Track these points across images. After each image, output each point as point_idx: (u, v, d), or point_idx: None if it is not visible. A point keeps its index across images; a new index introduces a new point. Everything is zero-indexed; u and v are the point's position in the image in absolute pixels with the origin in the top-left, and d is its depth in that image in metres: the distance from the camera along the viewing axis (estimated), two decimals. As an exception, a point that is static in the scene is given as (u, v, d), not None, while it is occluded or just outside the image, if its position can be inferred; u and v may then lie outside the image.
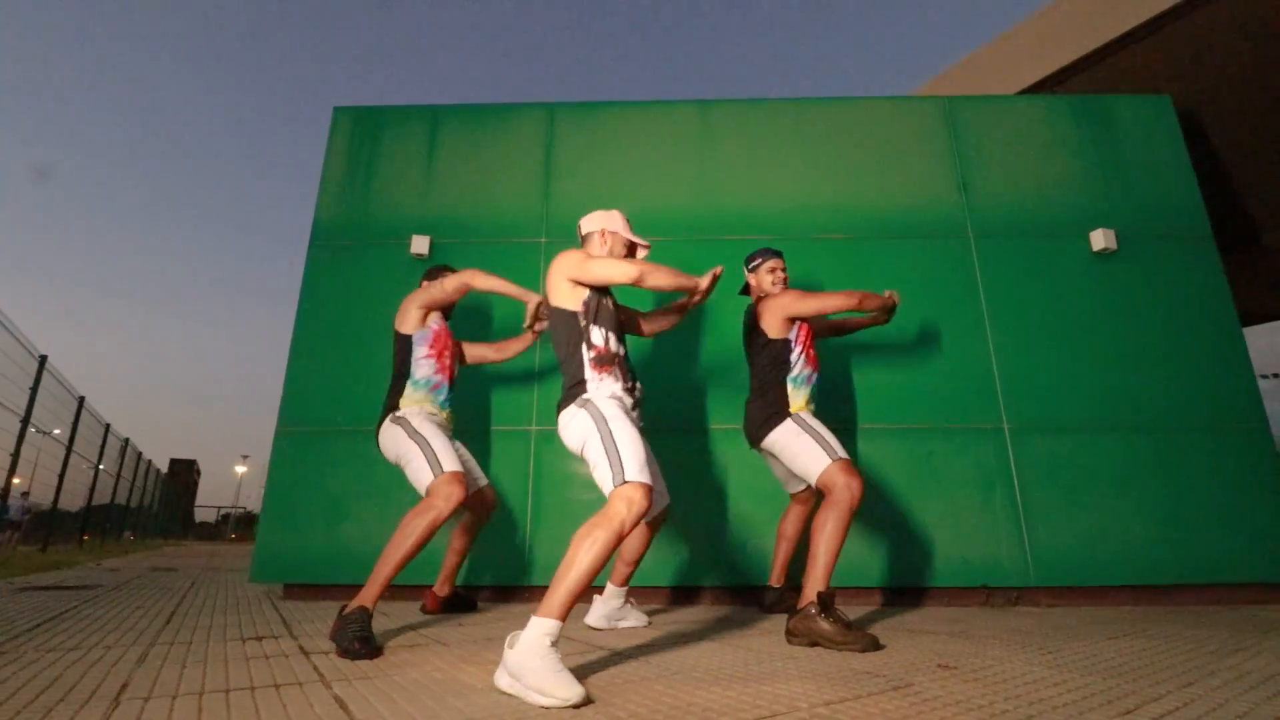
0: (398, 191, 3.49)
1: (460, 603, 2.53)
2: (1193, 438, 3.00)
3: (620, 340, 1.80)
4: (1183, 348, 3.14)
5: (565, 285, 1.75)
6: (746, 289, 2.49)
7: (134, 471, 14.88)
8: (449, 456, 1.96)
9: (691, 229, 3.37)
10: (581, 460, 1.64)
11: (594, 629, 2.05)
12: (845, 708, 1.12)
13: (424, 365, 2.20)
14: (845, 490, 1.91)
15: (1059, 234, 3.35)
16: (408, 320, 2.24)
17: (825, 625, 1.77)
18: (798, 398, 2.22)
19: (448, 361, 2.27)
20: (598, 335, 1.74)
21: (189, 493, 49.14)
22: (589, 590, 1.98)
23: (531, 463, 3.02)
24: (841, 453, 2.01)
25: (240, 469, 46.82)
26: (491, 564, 2.89)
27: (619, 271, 1.72)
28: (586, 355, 1.73)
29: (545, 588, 2.92)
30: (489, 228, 3.41)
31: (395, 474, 2.33)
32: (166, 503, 25.74)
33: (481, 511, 2.40)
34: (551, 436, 3.04)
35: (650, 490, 1.50)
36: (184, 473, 49.42)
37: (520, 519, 2.95)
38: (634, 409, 1.76)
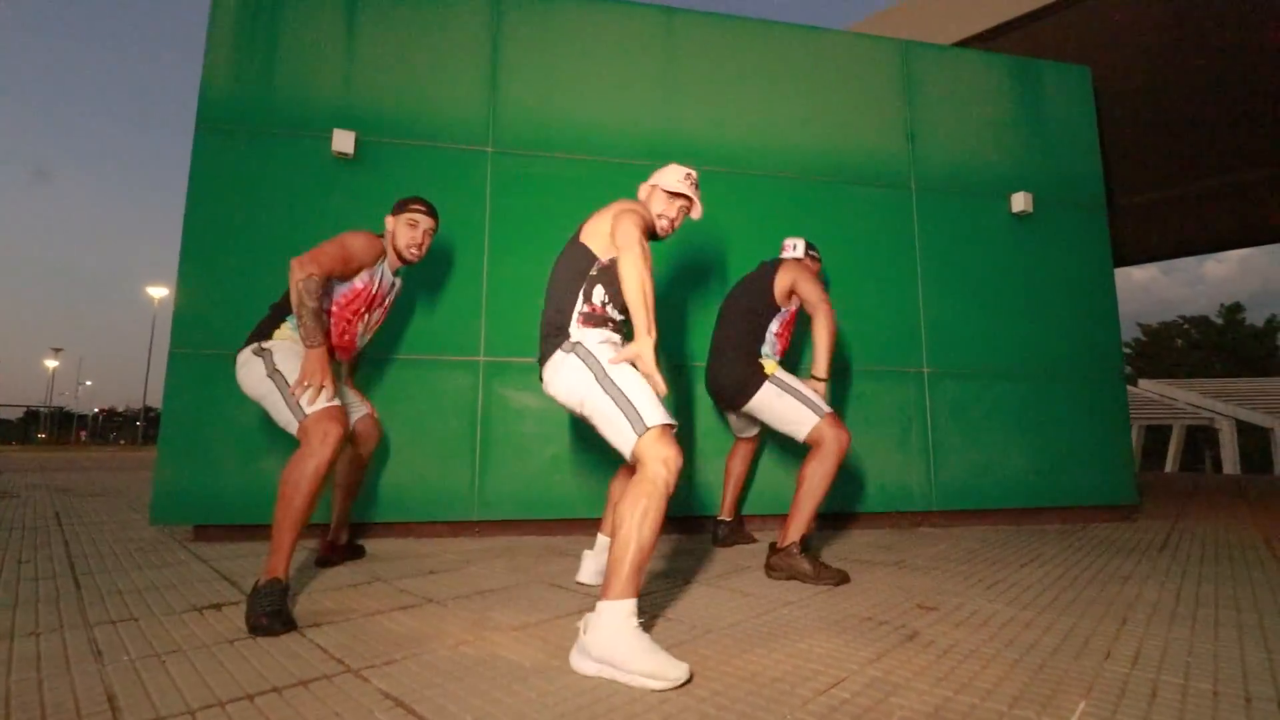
0: (311, 73, 2.91)
1: (353, 551, 2.32)
2: (1067, 384, 3.49)
3: (622, 311, 1.67)
4: (1070, 305, 3.58)
5: (605, 228, 1.62)
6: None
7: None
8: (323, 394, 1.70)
9: (652, 152, 3.17)
10: (542, 399, 1.51)
11: (587, 585, 1.95)
12: (887, 666, 1.23)
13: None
14: (835, 443, 2.03)
15: (986, 193, 3.58)
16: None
17: (805, 564, 1.97)
18: (769, 362, 2.31)
19: (341, 327, 1.98)
20: (598, 294, 1.63)
21: (-20, 389, 41.36)
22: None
23: (480, 395, 2.86)
24: (826, 408, 2.11)
25: (51, 363, 40.26)
26: (441, 500, 2.77)
27: (618, 242, 1.54)
28: (579, 307, 1.62)
29: (496, 522, 2.91)
30: (426, 128, 2.98)
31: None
32: (-46, 402, 21.69)
33: (367, 444, 2.22)
34: (503, 369, 2.88)
35: (674, 429, 1.41)
36: (-30, 365, 41.22)
37: (469, 454, 2.82)
38: None
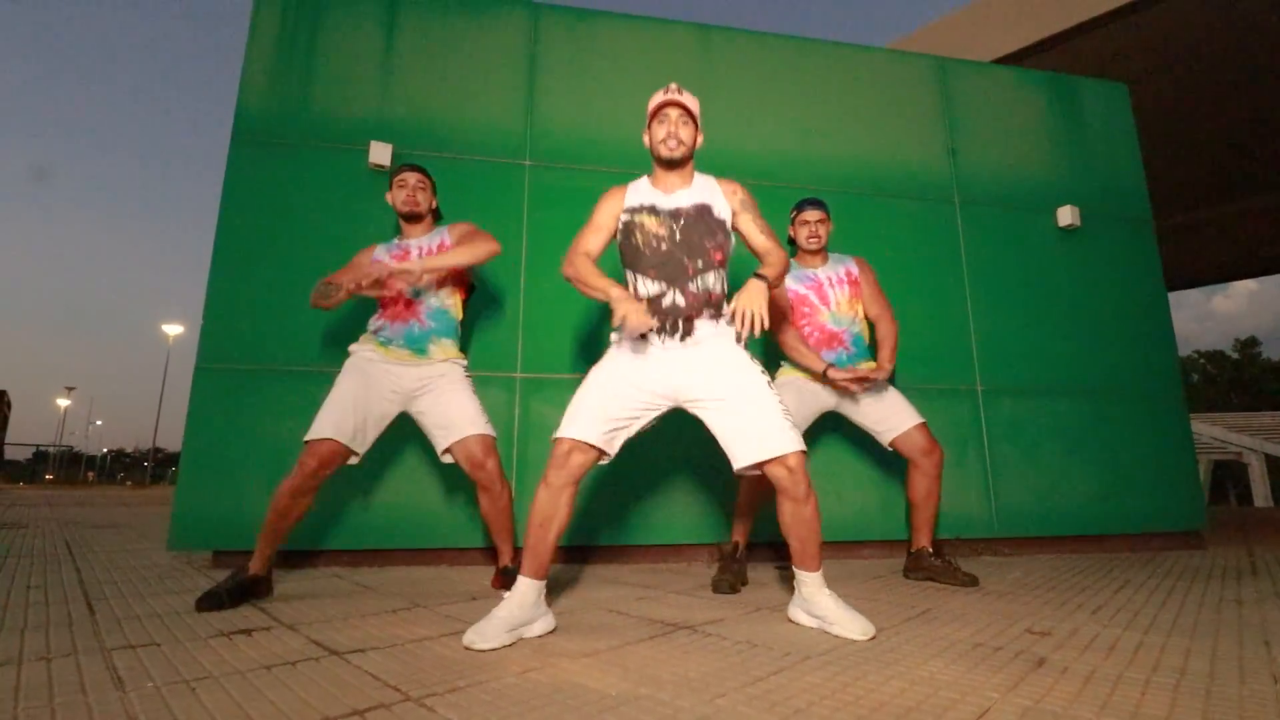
0: (348, 87, 2.88)
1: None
2: (1127, 403, 3.32)
3: (660, 279, 1.66)
4: (1123, 321, 3.43)
5: None
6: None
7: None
8: (324, 418, 1.86)
9: (689, 167, 3.10)
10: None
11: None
12: (1031, 694, 1.05)
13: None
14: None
15: (1031, 207, 3.48)
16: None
17: (939, 565, 2.22)
18: (788, 366, 2.35)
19: (389, 297, 2.05)
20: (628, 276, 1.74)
21: (-7, 428, 41.46)
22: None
23: (517, 412, 2.72)
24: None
25: (63, 402, 40.43)
26: (476, 524, 2.60)
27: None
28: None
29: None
30: (463, 142, 2.93)
31: None
32: (-35, 441, 21.70)
33: (476, 471, 2.05)
34: (540, 385, 2.75)
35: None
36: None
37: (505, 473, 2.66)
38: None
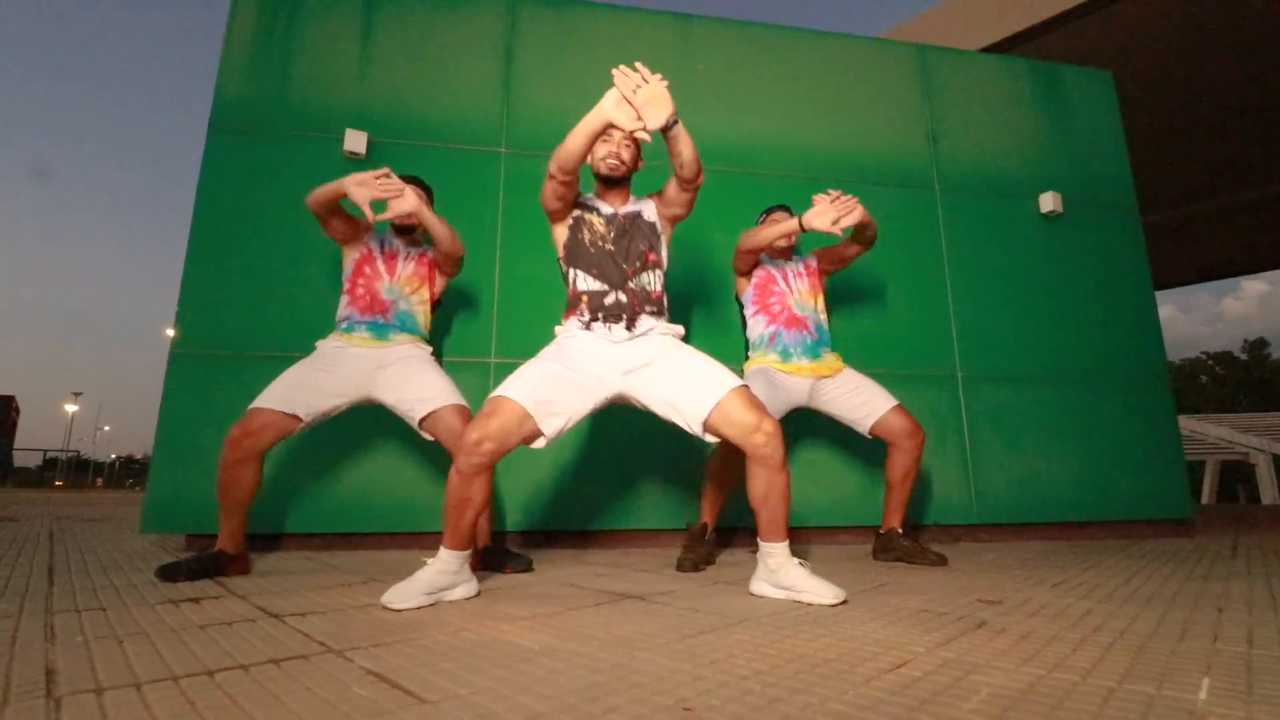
0: (326, 74, 2.91)
1: (492, 561, 2.01)
2: (1110, 390, 3.29)
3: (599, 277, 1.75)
4: (1107, 309, 3.41)
5: None
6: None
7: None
8: (267, 392, 1.86)
9: (664, 152, 3.11)
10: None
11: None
12: (959, 649, 1.04)
13: (342, 300, 2.09)
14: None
15: (1013, 194, 3.47)
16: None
17: (908, 545, 2.20)
18: (757, 356, 2.32)
19: (360, 290, 2.06)
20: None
21: (7, 433, 42.07)
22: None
23: (491, 399, 2.72)
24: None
25: (70, 408, 40.82)
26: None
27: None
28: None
29: (507, 533, 2.72)
30: (438, 129, 2.95)
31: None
32: (-26, 445, 21.97)
33: (449, 443, 2.07)
34: (514, 370, 2.75)
35: None
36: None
37: (478, 460, 2.67)
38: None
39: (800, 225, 2.07)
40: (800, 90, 3.37)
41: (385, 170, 1.92)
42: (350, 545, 2.54)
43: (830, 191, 2.08)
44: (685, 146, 1.64)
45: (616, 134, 1.77)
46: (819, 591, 1.43)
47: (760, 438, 1.53)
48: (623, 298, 1.70)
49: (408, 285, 2.11)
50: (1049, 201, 3.40)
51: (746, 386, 1.59)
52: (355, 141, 2.78)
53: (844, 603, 1.43)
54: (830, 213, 2.03)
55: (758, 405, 1.56)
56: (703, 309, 2.99)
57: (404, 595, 1.38)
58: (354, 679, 0.89)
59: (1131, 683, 0.86)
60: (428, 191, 2.24)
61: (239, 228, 2.70)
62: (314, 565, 2.09)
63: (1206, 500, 15.66)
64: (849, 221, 2.04)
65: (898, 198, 3.31)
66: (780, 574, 1.53)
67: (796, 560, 1.54)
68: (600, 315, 1.69)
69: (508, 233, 2.90)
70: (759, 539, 1.59)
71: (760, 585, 1.57)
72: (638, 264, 1.74)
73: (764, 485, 1.56)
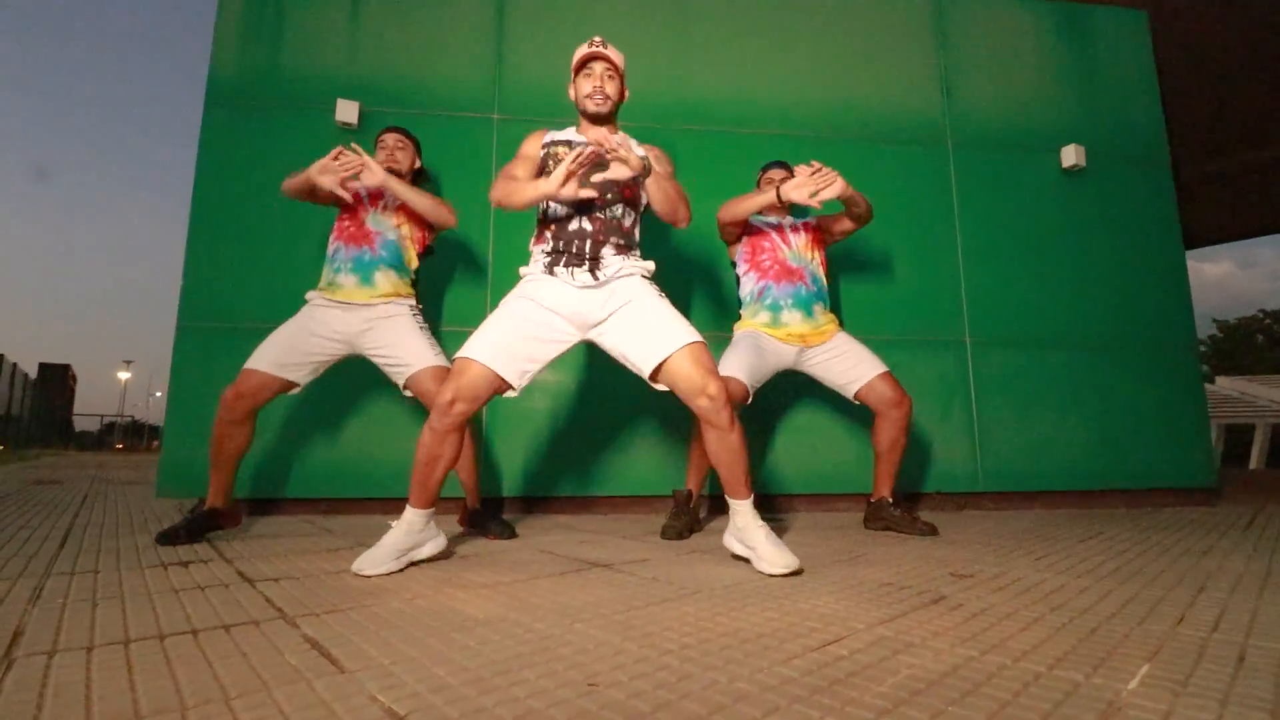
0: (316, 46, 2.89)
1: (476, 522, 2.12)
2: (1131, 354, 3.14)
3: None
4: (1132, 269, 3.23)
5: None
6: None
7: (-7, 376, 13.20)
8: (259, 353, 1.93)
9: (664, 115, 3.02)
10: (551, 372, 1.52)
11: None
12: (901, 626, 1.03)
13: (330, 238, 2.12)
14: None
15: (1032, 147, 3.28)
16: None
17: (898, 514, 2.18)
18: (746, 316, 2.30)
19: (346, 222, 2.09)
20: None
21: (65, 400, 44.62)
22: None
23: (486, 368, 2.75)
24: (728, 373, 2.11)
25: (123, 375, 42.85)
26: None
27: None
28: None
29: (503, 499, 2.78)
30: (429, 97, 2.91)
31: (322, 377, 2.09)
32: (39, 411, 23.33)
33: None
34: (509, 340, 2.76)
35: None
36: (57, 379, 44.54)
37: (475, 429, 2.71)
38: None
39: (778, 197, 1.99)
40: (803, 44, 3.21)
41: (338, 149, 1.91)
42: (352, 510, 2.62)
43: (812, 163, 1.99)
44: (654, 194, 1.63)
45: (598, 66, 1.70)
46: (773, 560, 1.44)
47: (704, 400, 1.53)
48: (588, 225, 1.66)
49: (394, 217, 2.11)
50: (1071, 155, 3.21)
51: (701, 344, 1.56)
52: (347, 111, 2.77)
53: (796, 573, 1.43)
54: (808, 185, 1.94)
55: (705, 365, 1.54)
56: (702, 280, 2.93)
57: (374, 561, 1.43)
58: (290, 647, 0.92)
59: (1063, 668, 0.84)
60: (413, 141, 2.23)
61: (238, 202, 2.73)
62: (311, 529, 2.17)
63: (1255, 465, 15.05)
64: (828, 195, 1.95)
65: (906, 155, 3.16)
66: (746, 533, 1.56)
67: (761, 523, 1.55)
68: (563, 250, 1.66)
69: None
70: (725, 495, 1.62)
71: (730, 540, 1.62)
72: (609, 195, 1.67)
73: (715, 444, 1.58)
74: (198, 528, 1.87)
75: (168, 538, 1.81)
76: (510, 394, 1.63)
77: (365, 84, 2.88)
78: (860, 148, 3.14)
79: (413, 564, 1.54)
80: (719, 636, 0.97)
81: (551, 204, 1.69)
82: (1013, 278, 3.13)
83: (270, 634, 0.99)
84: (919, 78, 3.27)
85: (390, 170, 2.12)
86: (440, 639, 0.96)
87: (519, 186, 1.63)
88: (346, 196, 1.95)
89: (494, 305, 2.76)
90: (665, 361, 1.55)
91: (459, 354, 1.59)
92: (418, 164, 2.27)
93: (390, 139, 2.19)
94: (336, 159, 1.89)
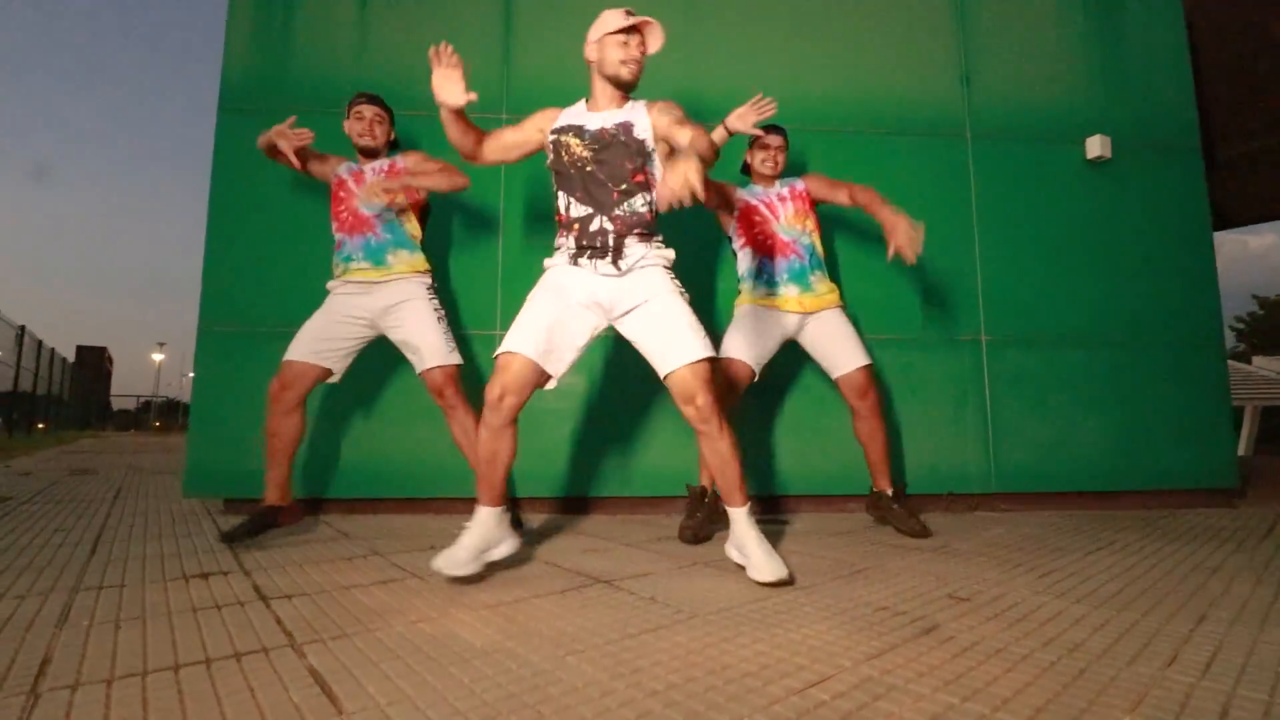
0: (326, 50, 2.90)
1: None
2: (1154, 352, 3.07)
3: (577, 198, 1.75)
4: (1158, 262, 3.14)
5: None
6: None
7: (35, 360, 13.69)
8: (294, 344, 2.05)
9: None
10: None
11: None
12: (889, 663, 1.04)
13: (333, 230, 2.22)
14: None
15: (1055, 138, 3.17)
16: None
17: (896, 510, 2.23)
18: (746, 291, 2.36)
19: (343, 212, 2.18)
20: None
21: (102, 382, 46.22)
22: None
23: (497, 371, 2.78)
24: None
25: (157, 356, 44.14)
26: (455, 475, 2.71)
27: None
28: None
29: (523, 499, 2.84)
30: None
31: (343, 379, 2.23)
32: (78, 392, 24.18)
33: (443, 403, 2.20)
34: (518, 343, 2.79)
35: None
36: (94, 361, 46.10)
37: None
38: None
39: (725, 129, 2.08)
40: (815, 37, 3.12)
41: (291, 119, 2.08)
42: (370, 510, 2.70)
43: (758, 95, 2.11)
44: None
45: (635, 38, 1.74)
46: (762, 568, 1.51)
47: (690, 409, 1.60)
48: (608, 224, 1.69)
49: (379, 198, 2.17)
50: (1096, 146, 3.10)
51: (707, 361, 1.61)
52: (356, 115, 2.78)
53: (785, 582, 1.50)
54: (750, 115, 2.06)
55: (702, 377, 1.59)
56: (702, 266, 2.91)
57: (455, 563, 1.53)
58: (295, 681, 0.97)
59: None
60: (389, 113, 2.29)
61: (253, 206, 2.79)
62: (330, 533, 2.25)
63: (1290, 452, 14.61)
64: (769, 114, 2.10)
65: (922, 148, 3.08)
66: (740, 540, 1.62)
67: (755, 531, 1.61)
68: (586, 245, 1.69)
69: (510, 199, 2.88)
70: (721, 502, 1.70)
71: (730, 549, 1.69)
72: (624, 186, 1.69)
73: (706, 451, 1.66)
74: (258, 526, 1.98)
75: (230, 538, 1.93)
76: (550, 385, 1.69)
77: (375, 86, 2.86)
78: (875, 142, 3.07)
79: (419, 577, 1.59)
80: (705, 675, 1.00)
81: (573, 203, 1.73)
82: (1034, 274, 3.06)
83: (278, 663, 1.04)
84: (937, 65, 3.17)
85: (368, 148, 2.22)
86: (437, 674, 1.00)
87: (477, 137, 1.88)
88: (295, 163, 2.08)
89: (505, 308, 2.81)
90: (672, 372, 1.62)
91: (500, 350, 1.65)
92: (393, 135, 2.33)
93: (369, 111, 2.22)
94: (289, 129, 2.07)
